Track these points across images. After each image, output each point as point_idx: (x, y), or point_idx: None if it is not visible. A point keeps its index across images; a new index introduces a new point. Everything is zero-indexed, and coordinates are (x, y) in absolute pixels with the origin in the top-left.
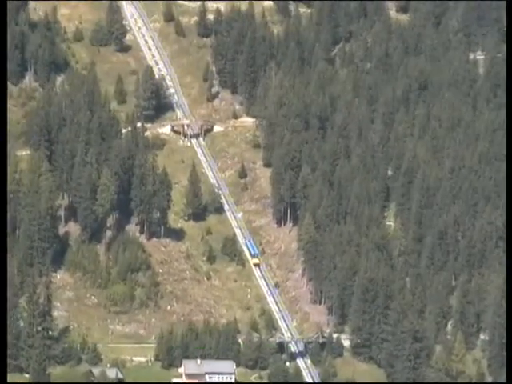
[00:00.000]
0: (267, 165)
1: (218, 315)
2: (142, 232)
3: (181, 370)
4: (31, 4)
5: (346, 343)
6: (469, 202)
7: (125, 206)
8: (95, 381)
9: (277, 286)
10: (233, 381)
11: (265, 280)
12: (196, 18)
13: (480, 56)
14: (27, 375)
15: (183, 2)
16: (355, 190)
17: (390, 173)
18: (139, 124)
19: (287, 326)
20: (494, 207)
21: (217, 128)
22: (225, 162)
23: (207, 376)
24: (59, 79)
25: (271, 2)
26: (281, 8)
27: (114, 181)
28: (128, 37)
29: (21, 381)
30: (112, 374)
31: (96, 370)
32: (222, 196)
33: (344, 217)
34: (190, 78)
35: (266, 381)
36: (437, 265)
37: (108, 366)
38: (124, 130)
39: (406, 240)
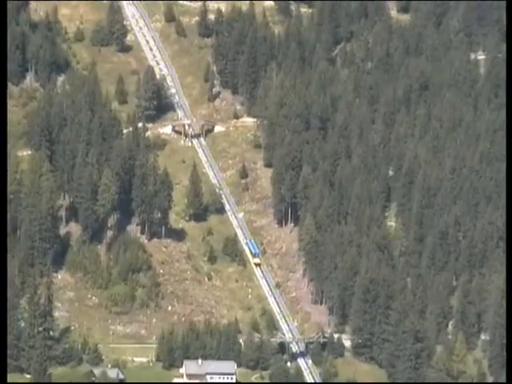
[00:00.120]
0: (268, 165)
1: (219, 315)
2: (142, 232)
3: (182, 370)
4: (32, 4)
5: (347, 343)
6: (470, 202)
7: (126, 206)
8: (96, 381)
9: (278, 286)
10: (234, 381)
11: (266, 280)
12: (197, 19)
13: (481, 56)
14: (28, 376)
15: (184, 2)
16: (356, 190)
17: (390, 173)
18: (140, 124)
19: (288, 326)
20: (495, 207)
21: (218, 128)
22: (226, 162)
23: (208, 376)
24: (60, 79)
25: (272, 2)
26: (282, 8)
27: (115, 181)
28: (129, 37)
29: (21, 381)
30: (113, 374)
31: (97, 371)
32: (223, 196)
33: (345, 217)
34: (190, 78)
35: (267, 381)
36: (438, 265)
37: (109, 366)
38: (125, 130)
39: (407, 240)
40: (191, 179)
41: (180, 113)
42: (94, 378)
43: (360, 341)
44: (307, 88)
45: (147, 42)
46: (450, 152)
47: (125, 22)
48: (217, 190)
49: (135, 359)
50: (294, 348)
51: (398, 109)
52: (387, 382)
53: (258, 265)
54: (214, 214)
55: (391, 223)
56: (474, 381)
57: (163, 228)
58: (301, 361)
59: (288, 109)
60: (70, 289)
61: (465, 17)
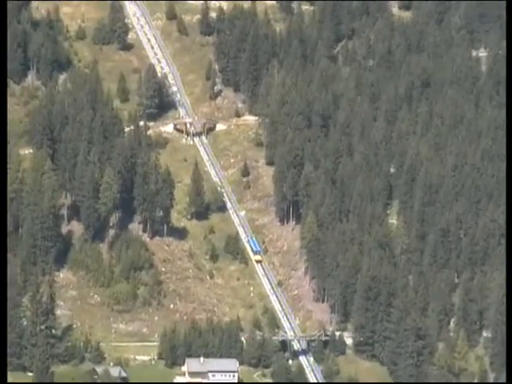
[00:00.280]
0: (270, 163)
1: (221, 313)
2: (144, 231)
3: (184, 368)
4: (33, 3)
5: (349, 341)
6: (471, 200)
7: (128, 204)
8: (98, 379)
9: (279, 284)
10: (236, 379)
11: (267, 278)
12: (198, 17)
13: (483, 53)
14: (30, 374)
15: (186, 0)
16: (358, 188)
17: (392, 170)
18: (142, 122)
19: (290, 324)
20: (497, 205)
21: (219, 126)
22: (227, 161)
23: (210, 374)
24: (62, 78)
25: (273, 1)
26: (283, 6)
27: (117, 179)
28: (130, 35)
29: (24, 380)
30: (115, 372)
31: (99, 369)
32: (225, 194)
33: (347, 215)
34: (192, 77)
35: (269, 379)
36: (439, 262)
37: (111, 364)
38: (127, 129)
39: (409, 238)
40: (193, 177)
41: (182, 111)
42: (96, 377)
43: (362, 338)
44: (309, 86)
45: (149, 40)
46: (452, 149)
47: (126, 21)
48: (218, 189)
49: (137, 357)
50: (296, 346)
51: (399, 106)
52: (389, 379)
53: (259, 261)
54: (215, 212)
55: (393, 221)
56: (476, 378)
57: (165, 226)
58: (302, 358)
59: (290, 107)
60: (72, 287)
61: (466, 14)
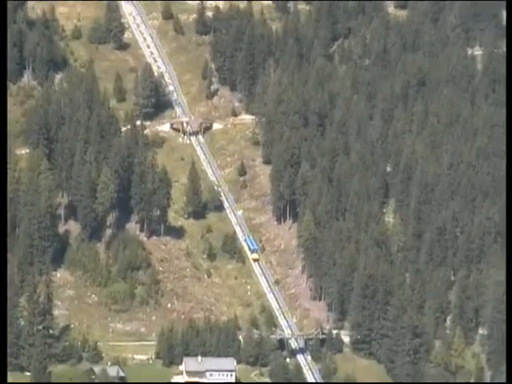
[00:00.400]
0: (267, 162)
1: (219, 312)
2: (142, 230)
3: (181, 367)
4: (29, 3)
5: (346, 339)
6: (467, 198)
7: (125, 204)
8: (96, 379)
9: (277, 282)
10: (233, 378)
11: (265, 277)
12: (195, 16)
13: (478, 51)
14: (28, 374)
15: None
16: (354, 187)
17: (388, 169)
18: (138, 122)
19: (287, 322)
20: (493, 203)
21: (216, 125)
22: (224, 160)
23: (208, 373)
24: (58, 77)
25: (270, 0)
26: (279, 5)
27: (114, 179)
28: (126, 34)
29: (22, 380)
30: (113, 372)
31: (97, 368)
32: (222, 193)
33: (343, 213)
34: (188, 76)
35: (266, 377)
36: (436, 260)
37: (109, 364)
38: (123, 128)
39: (405, 236)
40: (190, 177)
41: (178, 110)
42: (93, 376)
43: (359, 336)
44: (305, 85)
45: (145, 39)
46: (448, 148)
47: (122, 20)
48: (215, 188)
49: (135, 357)
50: (294, 344)
51: (395, 105)
52: (386, 377)
53: (256, 260)
54: (212, 211)
55: (389, 219)
56: (473, 375)
57: (162, 226)
58: (300, 357)
59: (286, 105)
60: (69, 287)
61: (462, 12)
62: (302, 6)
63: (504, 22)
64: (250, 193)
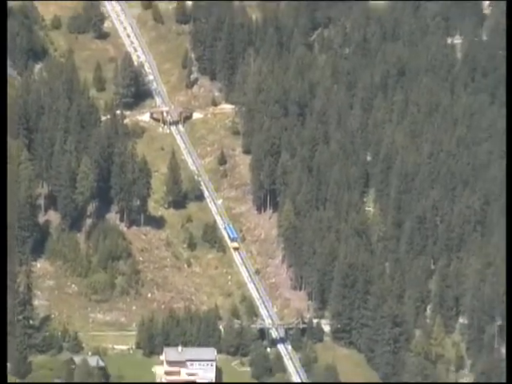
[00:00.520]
0: (247, 151)
1: (199, 302)
2: (122, 220)
3: (162, 357)
4: None
5: (327, 328)
6: (447, 187)
7: (104, 194)
8: (76, 369)
9: (257, 272)
10: (214, 368)
11: (245, 266)
12: (174, 5)
13: (458, 40)
14: (8, 364)
15: None
16: (334, 176)
17: (368, 158)
18: (118, 111)
19: (268, 312)
20: (472, 191)
21: (196, 115)
22: (204, 149)
23: (188, 363)
24: (37, 67)
25: None
26: None
27: (94, 169)
28: (106, 24)
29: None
30: (93, 362)
31: (77, 359)
32: (202, 183)
33: (323, 203)
34: (168, 65)
35: (247, 367)
36: (416, 249)
37: (89, 354)
38: (103, 118)
39: (385, 225)
40: (170, 166)
41: (158, 100)
42: (74, 366)
43: (339, 326)
44: (285, 74)
45: (125, 28)
46: (428, 137)
47: (102, 9)
48: (196, 177)
49: (115, 347)
50: (274, 334)
51: (375, 94)
52: (366, 366)
53: (236, 249)
54: (193, 201)
55: (369, 208)
56: (452, 364)
57: (142, 215)
58: (281, 346)
59: (266, 95)
60: (49, 277)
61: (441, 1)
62: None
63: (484, 11)
64: (230, 182)
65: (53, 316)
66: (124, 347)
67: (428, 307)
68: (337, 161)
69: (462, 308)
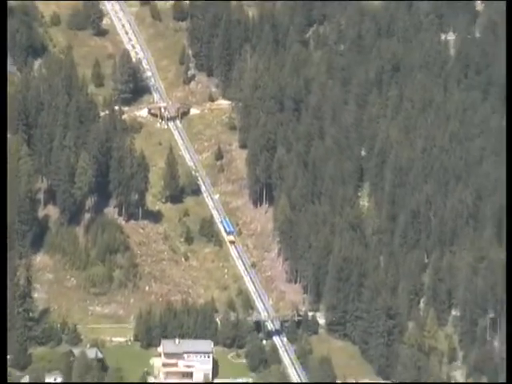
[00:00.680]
0: (243, 146)
1: (196, 295)
2: (120, 214)
3: (159, 349)
4: None
5: (321, 321)
6: (440, 181)
7: (103, 188)
8: (75, 361)
9: (253, 265)
10: (211, 359)
11: (241, 260)
12: (172, 2)
13: (451, 37)
14: (8, 356)
15: None
16: (329, 171)
17: (363, 153)
18: (117, 107)
19: (264, 305)
20: (465, 186)
21: (193, 111)
22: (201, 144)
23: (185, 355)
24: (37, 63)
25: None
26: None
27: (92, 164)
28: (105, 21)
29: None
30: (92, 354)
31: (76, 351)
32: (199, 178)
33: (319, 197)
34: (166, 62)
35: (243, 359)
36: (409, 243)
37: (88, 346)
38: (102, 114)
39: (380, 219)
40: (167, 161)
41: (156, 96)
42: (73, 358)
43: (334, 318)
44: (281, 70)
45: (123, 25)
46: (421, 132)
47: (101, 7)
48: (193, 172)
49: (113, 339)
50: (270, 326)
51: (370, 90)
52: (360, 358)
53: (232, 242)
54: (190, 195)
55: (364, 203)
56: (445, 355)
57: (140, 210)
58: (276, 339)
59: (262, 91)
60: (48, 270)
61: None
62: None
63: (477, 8)
64: (226, 177)
65: (52, 309)
66: (122, 339)
67: (421, 300)
68: (332, 156)
69: (455, 301)
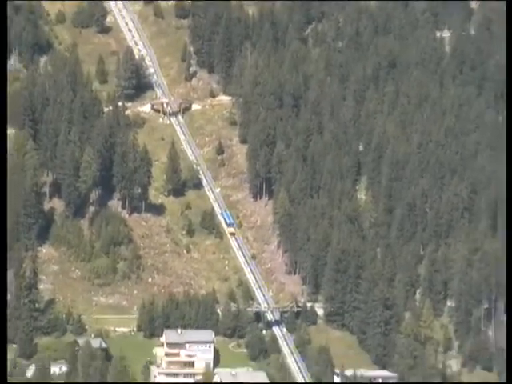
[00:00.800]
0: (243, 141)
1: (198, 286)
2: (123, 207)
3: (162, 339)
4: None
5: (320, 312)
6: (436, 175)
7: (107, 182)
8: (80, 350)
9: (253, 257)
10: (212, 349)
11: (242, 252)
12: (174, 1)
13: (446, 34)
14: (14, 345)
15: None
16: (328, 165)
17: (360, 148)
18: (120, 103)
19: (263, 296)
20: (460, 180)
21: (195, 106)
22: (203, 139)
23: (187, 345)
24: (42, 60)
25: None
26: None
27: (97, 158)
28: (109, 19)
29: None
30: (96, 343)
31: (81, 340)
32: (201, 172)
33: (317, 191)
34: (168, 59)
35: (243, 348)
36: (406, 235)
37: (92, 336)
38: (105, 109)
39: (377, 212)
40: (170, 156)
41: (158, 92)
42: (77, 347)
43: (332, 309)
44: (280, 67)
45: (126, 23)
46: (417, 127)
47: (104, 5)
48: (194, 166)
49: (117, 329)
50: (269, 317)
51: (367, 86)
52: (358, 347)
53: (232, 234)
54: (191, 189)
55: (361, 196)
56: (441, 345)
57: (143, 203)
58: (276, 329)
59: (262, 87)
60: (54, 262)
61: None
62: None
63: (472, 6)
64: (227, 171)
65: (57, 299)
66: (126, 329)
67: (417, 291)
68: (330, 150)
69: (450, 292)
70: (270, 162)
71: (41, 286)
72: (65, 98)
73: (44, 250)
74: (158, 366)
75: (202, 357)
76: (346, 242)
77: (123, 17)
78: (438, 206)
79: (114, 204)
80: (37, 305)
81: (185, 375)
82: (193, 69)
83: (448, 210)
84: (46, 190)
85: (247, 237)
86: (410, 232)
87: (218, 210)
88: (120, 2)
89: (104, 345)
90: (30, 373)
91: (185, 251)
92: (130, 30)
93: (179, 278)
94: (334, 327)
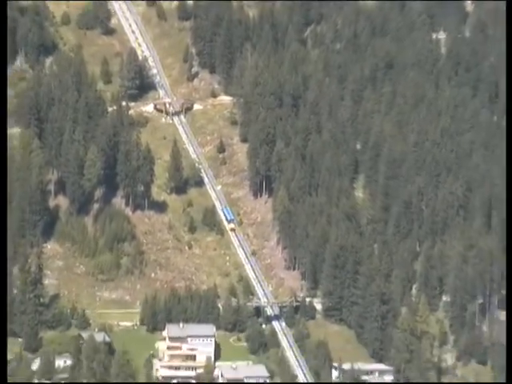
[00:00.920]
0: (244, 140)
1: (199, 282)
2: (127, 205)
3: (164, 333)
4: None
5: (319, 306)
6: (432, 174)
7: (111, 180)
8: (84, 344)
9: (253, 253)
10: (213, 343)
11: (242, 248)
12: (176, 3)
13: (442, 36)
14: (20, 339)
15: None
16: (326, 164)
17: (358, 147)
18: (124, 103)
19: (263, 291)
20: (456, 178)
21: (196, 106)
22: (204, 138)
23: (189, 339)
24: (48, 61)
25: None
26: None
27: (101, 157)
28: (113, 21)
29: (14, 345)
30: (100, 337)
31: (85, 334)
32: (202, 170)
33: (316, 189)
34: (171, 59)
35: (243, 342)
36: (402, 232)
37: (96, 330)
38: (109, 109)
39: (374, 209)
40: (172, 154)
41: (161, 92)
42: (81, 341)
43: (330, 304)
44: (280, 68)
45: (130, 25)
46: (414, 127)
47: (109, 7)
48: (196, 165)
49: (121, 323)
50: (269, 311)
51: (365, 86)
52: (356, 341)
53: (233, 230)
54: (193, 186)
55: (359, 194)
56: (436, 339)
57: (146, 200)
58: (275, 323)
59: (262, 87)
60: (58, 258)
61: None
62: None
63: (467, 8)
64: (228, 169)
65: (62, 294)
66: (129, 324)
67: (414, 286)
68: (328, 149)
69: (446, 287)
70: (269, 160)
71: (46, 282)
72: (70, 98)
73: (49, 246)
74: (160, 360)
75: (204, 350)
76: (344, 239)
77: (127, 19)
78: (433, 203)
79: (118, 201)
80: (42, 299)
81: (186, 368)
82: (195, 69)
83: (443, 207)
84: (51, 187)
85: (247, 233)
86: (407, 229)
87: (219, 208)
88: (124, 4)
89: (107, 339)
90: (35, 366)
91: (187, 247)
92: (133, 32)
93: (181, 273)
94: (332, 322)
